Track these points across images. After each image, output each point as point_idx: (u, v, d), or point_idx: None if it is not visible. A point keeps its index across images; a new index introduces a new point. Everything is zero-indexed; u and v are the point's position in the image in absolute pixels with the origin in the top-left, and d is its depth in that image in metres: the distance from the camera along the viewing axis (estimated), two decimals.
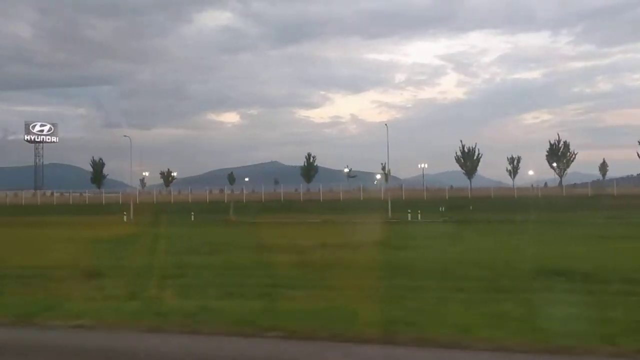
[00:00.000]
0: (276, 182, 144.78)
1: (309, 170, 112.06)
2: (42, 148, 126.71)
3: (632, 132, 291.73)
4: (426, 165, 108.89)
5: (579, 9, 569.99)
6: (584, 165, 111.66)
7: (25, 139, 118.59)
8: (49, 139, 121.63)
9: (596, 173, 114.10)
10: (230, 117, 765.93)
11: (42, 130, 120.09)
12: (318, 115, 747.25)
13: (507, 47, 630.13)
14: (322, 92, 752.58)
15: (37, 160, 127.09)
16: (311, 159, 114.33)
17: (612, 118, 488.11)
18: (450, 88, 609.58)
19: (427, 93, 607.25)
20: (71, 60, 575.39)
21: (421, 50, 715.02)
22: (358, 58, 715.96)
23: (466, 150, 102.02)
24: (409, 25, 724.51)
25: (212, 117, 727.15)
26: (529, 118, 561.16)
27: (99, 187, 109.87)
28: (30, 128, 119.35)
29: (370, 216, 27.21)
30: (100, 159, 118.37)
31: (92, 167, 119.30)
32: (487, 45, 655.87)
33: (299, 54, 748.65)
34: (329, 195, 67.83)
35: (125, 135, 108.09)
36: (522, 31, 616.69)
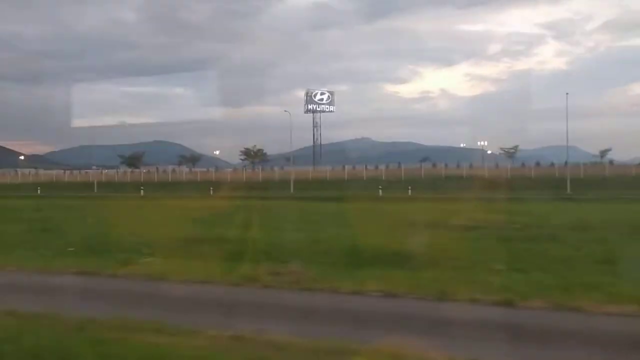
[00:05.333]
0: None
1: None
2: (320, 118, 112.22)
3: None
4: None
5: None
6: None
7: (308, 108, 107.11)
8: (327, 108, 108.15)
9: None
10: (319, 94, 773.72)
11: (321, 99, 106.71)
12: (407, 90, 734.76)
13: (615, 12, 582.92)
14: (411, 67, 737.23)
15: (315, 132, 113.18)
16: None
17: None
18: (549, 58, 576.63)
19: (523, 64, 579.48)
20: (171, 43, 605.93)
21: (518, 19, 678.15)
22: (450, 30, 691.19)
23: None
24: None
25: (301, 94, 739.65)
26: (639, 89, 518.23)
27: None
28: (312, 97, 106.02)
29: None
30: None
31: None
32: (592, 10, 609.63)
33: (389, 28, 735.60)
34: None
35: (285, 111, 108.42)
36: None
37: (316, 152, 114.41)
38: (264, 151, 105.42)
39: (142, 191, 45.48)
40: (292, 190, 46.05)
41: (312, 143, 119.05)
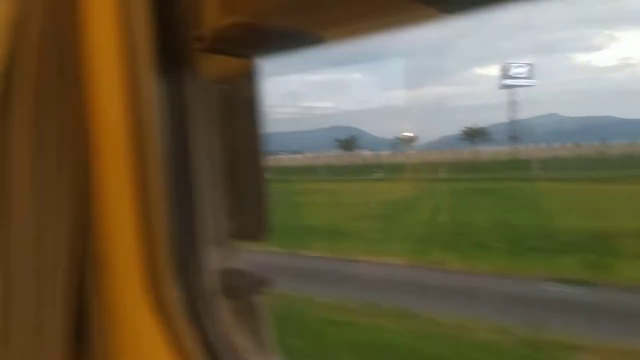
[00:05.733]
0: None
1: None
2: (517, 94, 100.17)
3: None
4: None
5: None
6: None
7: (504, 83, 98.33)
8: (526, 82, 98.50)
9: None
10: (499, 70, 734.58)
11: (519, 73, 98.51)
12: (601, 58, 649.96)
13: None
14: (607, 32, 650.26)
15: (512, 109, 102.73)
16: None
17: None
18: None
19: None
20: None
21: None
22: None
23: None
24: None
25: (480, 71, 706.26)
26: None
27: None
28: (508, 71, 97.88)
29: None
30: None
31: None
32: None
33: None
34: None
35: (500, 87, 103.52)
36: None
37: (515, 129, 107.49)
38: (486, 129, 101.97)
39: (377, 174, 44.41)
40: (534, 170, 41.30)
41: (497, 121, 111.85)
